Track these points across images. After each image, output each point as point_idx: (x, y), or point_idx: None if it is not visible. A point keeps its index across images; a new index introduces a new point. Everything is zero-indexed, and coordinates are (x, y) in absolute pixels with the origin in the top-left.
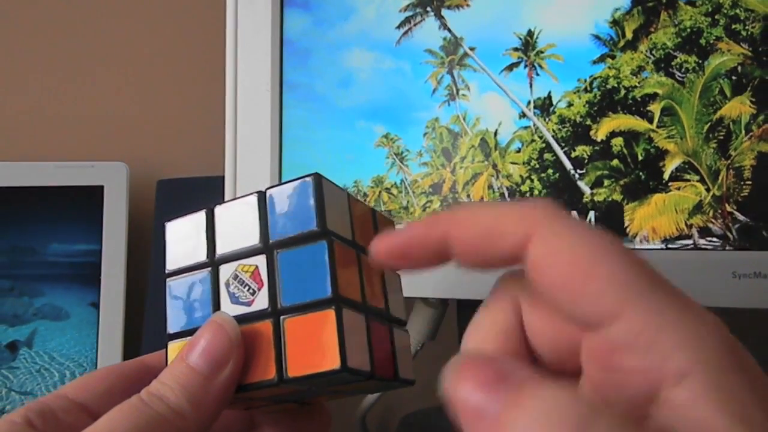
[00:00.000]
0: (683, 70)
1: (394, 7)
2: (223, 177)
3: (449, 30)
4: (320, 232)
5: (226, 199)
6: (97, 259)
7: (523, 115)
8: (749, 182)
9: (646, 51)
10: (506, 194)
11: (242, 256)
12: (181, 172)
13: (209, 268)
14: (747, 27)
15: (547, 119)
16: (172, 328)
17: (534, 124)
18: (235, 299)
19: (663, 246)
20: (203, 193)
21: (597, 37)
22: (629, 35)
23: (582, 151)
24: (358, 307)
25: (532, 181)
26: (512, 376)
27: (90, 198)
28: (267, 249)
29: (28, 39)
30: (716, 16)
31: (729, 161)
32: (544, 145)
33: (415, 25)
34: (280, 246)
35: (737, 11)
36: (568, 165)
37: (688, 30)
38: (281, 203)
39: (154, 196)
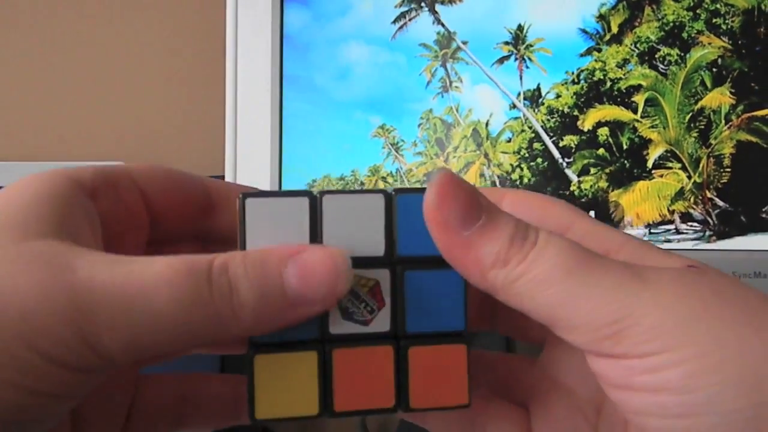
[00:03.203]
0: (666, 62)
1: (389, 3)
2: (223, 177)
3: (443, 25)
4: None
5: None
6: None
7: (513, 106)
8: (728, 169)
9: (631, 44)
10: (497, 182)
11: (359, 265)
12: None
13: None
14: (727, 21)
15: (536, 110)
16: (261, 338)
17: (524, 115)
18: (348, 315)
19: (647, 230)
20: None
21: (584, 31)
22: (615, 29)
23: (570, 140)
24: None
25: (521, 169)
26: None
27: None
28: (392, 264)
29: (28, 39)
30: (698, 11)
31: (709, 149)
32: (533, 135)
33: (410, 20)
34: (407, 263)
35: (718, 6)
36: (556, 154)
37: (671, 24)
38: (414, 213)
39: None
